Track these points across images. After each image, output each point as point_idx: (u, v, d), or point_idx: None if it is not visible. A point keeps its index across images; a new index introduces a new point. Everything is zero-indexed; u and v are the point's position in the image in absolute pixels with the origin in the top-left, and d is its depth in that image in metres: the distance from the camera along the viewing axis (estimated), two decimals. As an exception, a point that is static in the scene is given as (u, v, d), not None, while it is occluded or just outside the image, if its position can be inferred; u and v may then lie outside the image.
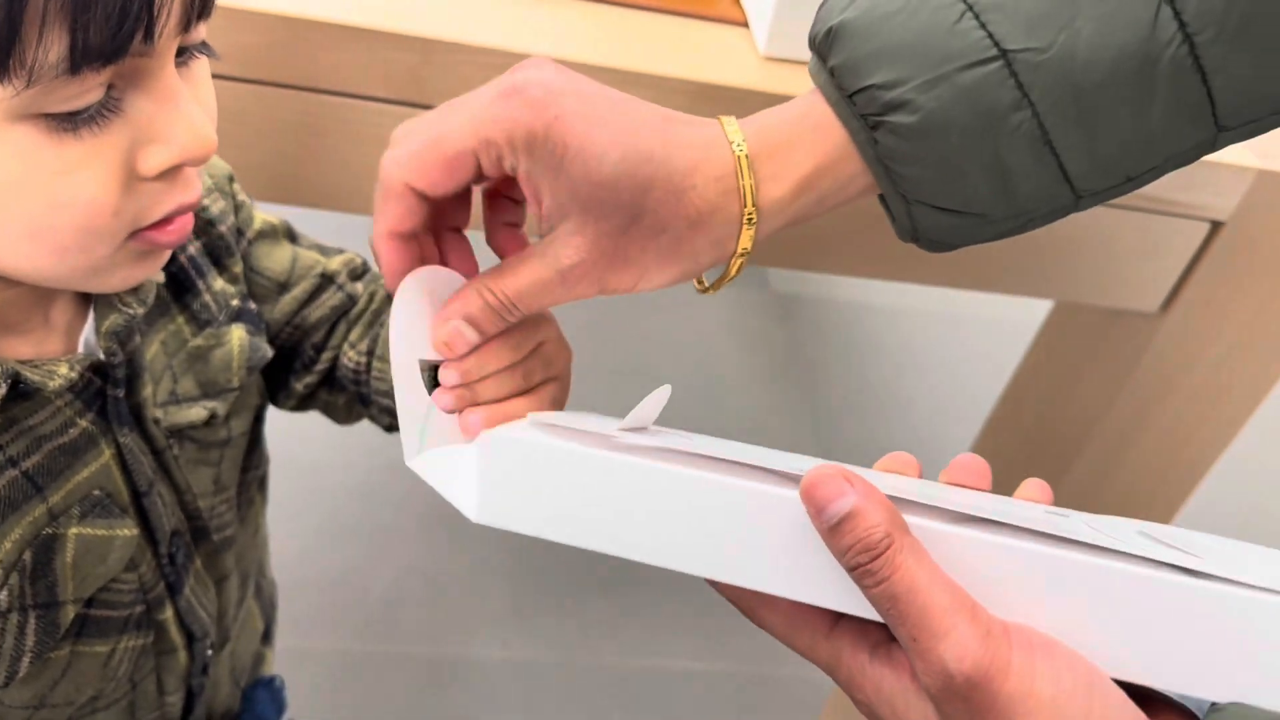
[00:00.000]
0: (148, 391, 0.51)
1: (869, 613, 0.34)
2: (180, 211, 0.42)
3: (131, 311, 0.47)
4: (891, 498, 0.33)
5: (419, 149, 0.40)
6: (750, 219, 0.40)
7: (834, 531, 0.32)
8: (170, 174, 0.40)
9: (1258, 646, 0.31)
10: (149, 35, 0.36)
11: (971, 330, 1.87)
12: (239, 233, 0.57)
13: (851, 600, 0.34)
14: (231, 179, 0.58)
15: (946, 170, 0.39)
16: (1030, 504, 0.40)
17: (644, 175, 0.39)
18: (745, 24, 0.71)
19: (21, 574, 0.46)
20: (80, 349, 0.48)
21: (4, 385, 0.43)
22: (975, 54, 0.38)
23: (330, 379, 0.62)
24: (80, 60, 0.34)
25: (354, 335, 0.60)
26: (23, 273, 0.41)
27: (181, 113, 0.39)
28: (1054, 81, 0.38)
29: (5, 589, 0.45)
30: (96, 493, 0.48)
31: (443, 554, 1.37)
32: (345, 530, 1.37)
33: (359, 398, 0.62)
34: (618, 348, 1.78)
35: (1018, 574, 0.33)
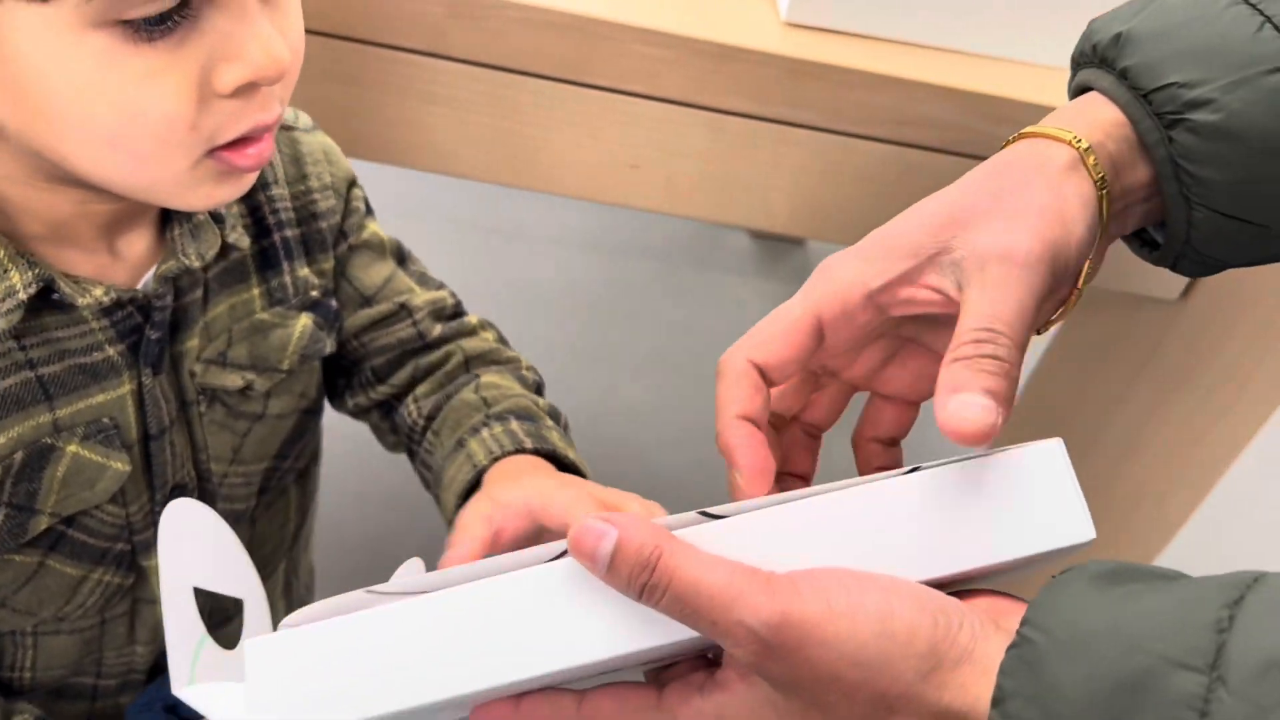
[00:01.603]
0: (192, 344, 0.52)
1: (679, 634, 0.34)
2: (257, 132, 0.43)
3: (188, 263, 0.49)
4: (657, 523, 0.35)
5: (758, 327, 0.41)
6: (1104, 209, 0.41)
7: (611, 569, 0.33)
8: (246, 92, 0.41)
9: (971, 510, 0.35)
10: None
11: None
12: (341, 235, 0.59)
13: (657, 630, 0.34)
14: (353, 184, 0.59)
15: (1241, 173, 0.40)
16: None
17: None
18: (770, -8, 0.73)
19: (7, 470, 0.47)
20: (146, 280, 0.49)
21: (35, 286, 0.44)
22: (1277, 60, 0.39)
23: (387, 411, 0.63)
24: None
25: (421, 390, 0.60)
26: (108, 180, 0.43)
27: (256, 31, 0.40)
28: None
29: None
30: (105, 420, 0.50)
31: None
32: (383, 498, 1.41)
33: (407, 450, 0.62)
34: (658, 338, 1.79)
35: (776, 537, 0.35)
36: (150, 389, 0.51)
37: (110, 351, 0.49)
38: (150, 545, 0.55)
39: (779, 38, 0.68)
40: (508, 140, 0.71)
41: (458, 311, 0.63)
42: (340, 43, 0.67)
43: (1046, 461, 0.35)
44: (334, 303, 0.59)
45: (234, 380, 0.55)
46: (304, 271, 0.57)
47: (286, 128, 0.57)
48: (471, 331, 0.63)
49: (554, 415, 0.59)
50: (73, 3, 0.36)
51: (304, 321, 0.57)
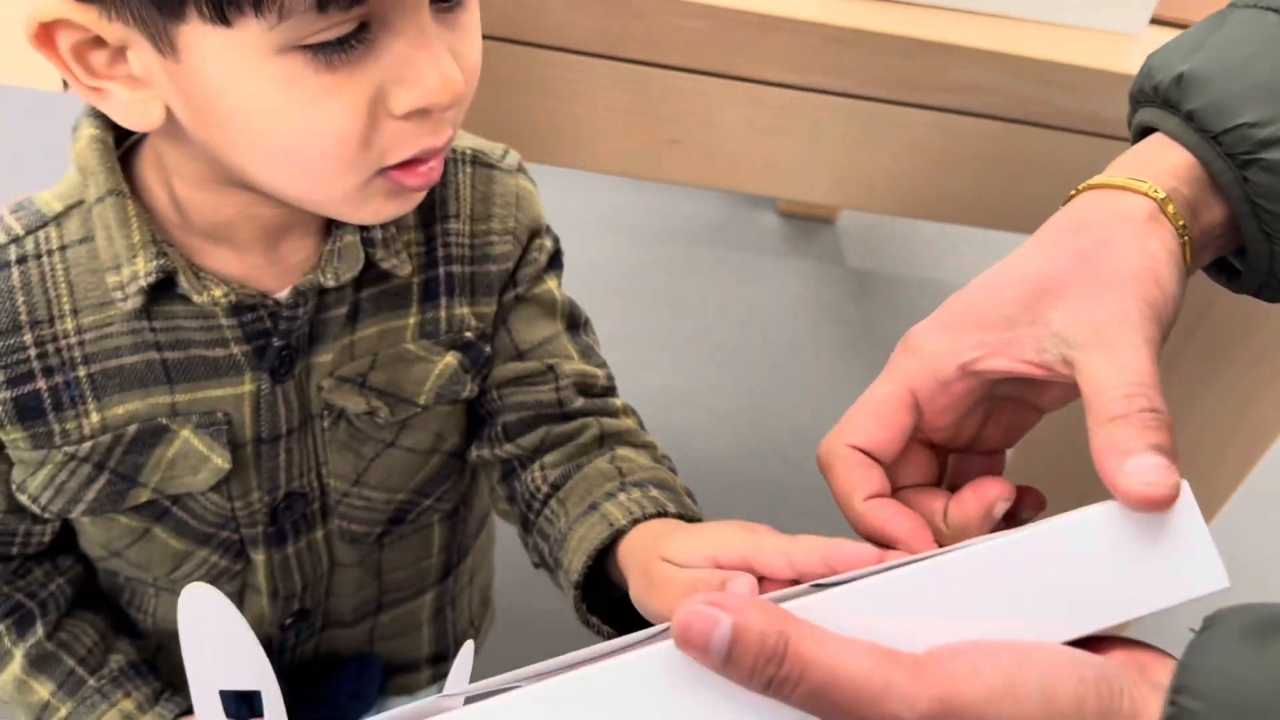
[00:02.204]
0: (326, 358, 0.53)
1: None
2: (426, 155, 0.44)
3: (323, 281, 0.49)
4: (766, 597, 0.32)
5: (850, 416, 0.41)
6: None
7: (729, 661, 0.30)
8: (418, 116, 0.42)
9: (1097, 568, 0.33)
10: None
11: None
12: (512, 282, 0.57)
13: None
14: (537, 234, 0.57)
15: None
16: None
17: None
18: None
19: (118, 440, 0.50)
20: (285, 292, 0.50)
21: (156, 276, 0.46)
22: None
23: (506, 474, 0.59)
24: (326, 0, 0.37)
25: (549, 459, 0.56)
26: (282, 192, 0.44)
27: (433, 57, 0.41)
28: None
29: (94, 442, 0.49)
30: (220, 414, 0.51)
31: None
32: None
33: (521, 519, 0.58)
34: (689, 320, 1.79)
35: (904, 604, 0.32)
36: (267, 394, 0.51)
37: (235, 350, 0.50)
38: (259, 540, 0.56)
39: (817, 5, 0.68)
40: (544, 117, 0.71)
41: (607, 391, 0.59)
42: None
43: (1177, 506, 0.33)
44: (488, 348, 0.57)
45: (358, 403, 0.54)
46: (463, 310, 0.56)
47: (488, 165, 0.56)
48: (614, 413, 0.58)
49: (689, 494, 0.55)
50: (256, 30, 0.38)
51: (448, 360, 0.56)
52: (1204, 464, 0.90)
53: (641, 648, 0.32)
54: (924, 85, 0.69)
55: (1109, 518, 0.33)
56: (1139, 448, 0.33)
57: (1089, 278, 0.38)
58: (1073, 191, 0.42)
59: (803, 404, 1.67)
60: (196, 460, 0.51)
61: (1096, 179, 0.42)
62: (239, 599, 0.58)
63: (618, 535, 0.49)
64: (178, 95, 0.42)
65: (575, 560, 0.49)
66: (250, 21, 0.37)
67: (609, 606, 0.51)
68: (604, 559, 0.49)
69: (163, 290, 0.47)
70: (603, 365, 0.59)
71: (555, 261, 0.59)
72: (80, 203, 0.48)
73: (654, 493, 0.51)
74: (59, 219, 0.48)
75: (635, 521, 0.49)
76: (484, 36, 0.69)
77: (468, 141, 0.56)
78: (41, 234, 0.48)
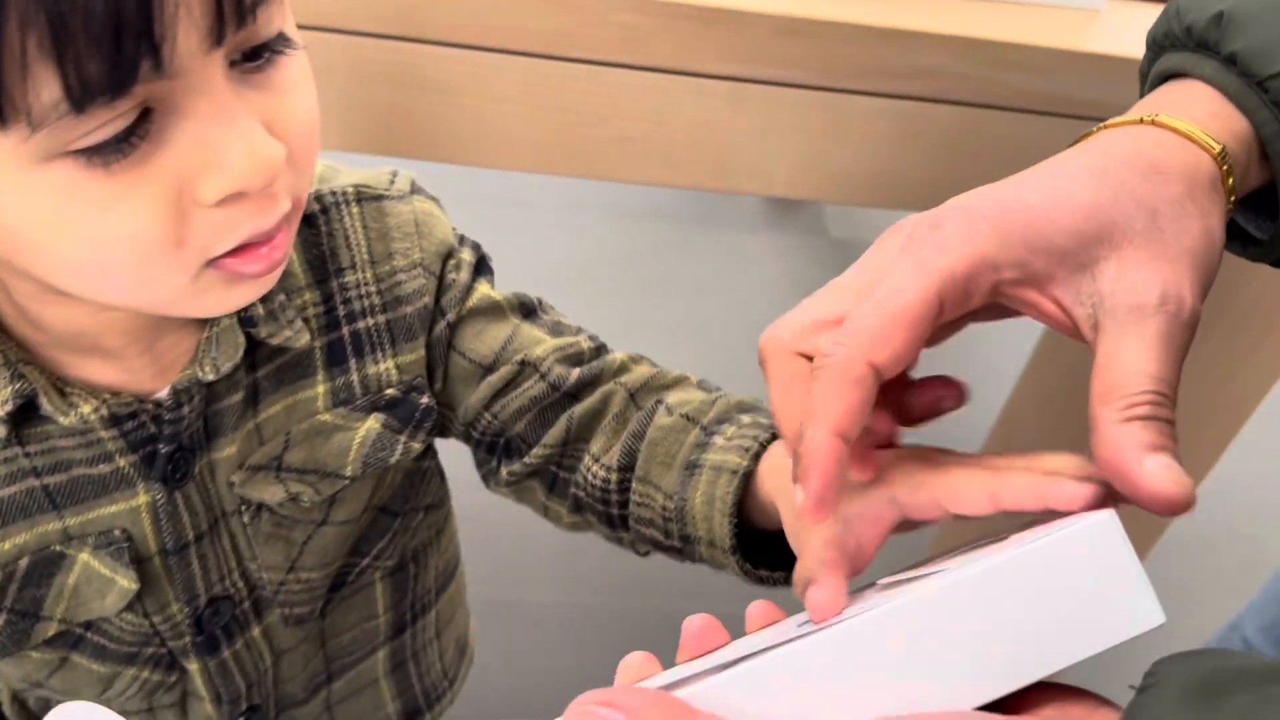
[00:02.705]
0: (227, 452, 0.48)
1: None
2: (259, 238, 0.38)
3: (201, 375, 0.45)
4: (662, 687, 0.30)
5: (865, 315, 0.33)
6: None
7: None
8: (235, 200, 0.36)
9: (1018, 613, 0.29)
10: (159, 65, 0.32)
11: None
12: (439, 313, 0.52)
13: None
14: (450, 255, 0.52)
15: None
16: (780, 629, 0.36)
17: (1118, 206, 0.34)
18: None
19: (10, 577, 0.46)
20: (165, 391, 0.45)
21: (14, 402, 0.41)
22: None
23: (551, 483, 0.54)
24: (81, 99, 0.31)
25: (596, 447, 0.51)
26: (110, 302, 0.39)
27: (235, 133, 0.35)
28: None
29: None
30: (117, 532, 0.47)
31: (497, 502, 1.40)
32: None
33: (603, 518, 0.52)
34: (673, 300, 1.78)
35: (809, 680, 0.29)
36: (164, 504, 0.47)
37: (121, 462, 0.46)
38: (189, 650, 0.52)
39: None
40: (492, 121, 0.69)
41: (598, 351, 0.54)
42: (314, 34, 0.65)
43: (1100, 539, 0.30)
44: (424, 399, 0.52)
45: (277, 493, 0.50)
46: (380, 367, 0.51)
47: (376, 197, 0.51)
48: (623, 368, 0.53)
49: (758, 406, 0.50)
50: (14, 140, 0.32)
51: (369, 425, 0.51)
52: (1183, 437, 0.89)
53: None
54: (877, 72, 0.68)
55: (1028, 558, 0.30)
56: (1164, 449, 0.30)
57: (1152, 241, 0.33)
58: (1128, 119, 0.37)
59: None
60: (101, 584, 0.48)
61: (1165, 119, 0.36)
62: (182, 708, 0.56)
63: (747, 479, 0.44)
64: None
65: (718, 526, 0.45)
66: (1, 135, 0.32)
67: (755, 549, 0.46)
68: (752, 507, 0.45)
69: (29, 412, 0.43)
70: (579, 331, 0.55)
71: (480, 268, 0.54)
72: None
73: (745, 420, 0.46)
74: None
75: (756, 456, 0.45)
76: (428, 42, 0.68)
77: (347, 178, 0.51)
78: None
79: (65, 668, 0.51)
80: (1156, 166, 0.35)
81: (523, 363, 0.52)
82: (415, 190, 0.52)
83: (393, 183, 0.52)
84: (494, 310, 0.53)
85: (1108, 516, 0.30)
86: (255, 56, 0.36)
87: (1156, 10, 0.72)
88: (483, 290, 0.53)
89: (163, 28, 0.31)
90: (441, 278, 0.52)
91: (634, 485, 0.49)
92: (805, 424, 0.32)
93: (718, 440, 0.46)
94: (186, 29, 0.32)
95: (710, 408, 0.49)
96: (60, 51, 0.30)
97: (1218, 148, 0.35)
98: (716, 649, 0.36)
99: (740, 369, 1.69)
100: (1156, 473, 0.30)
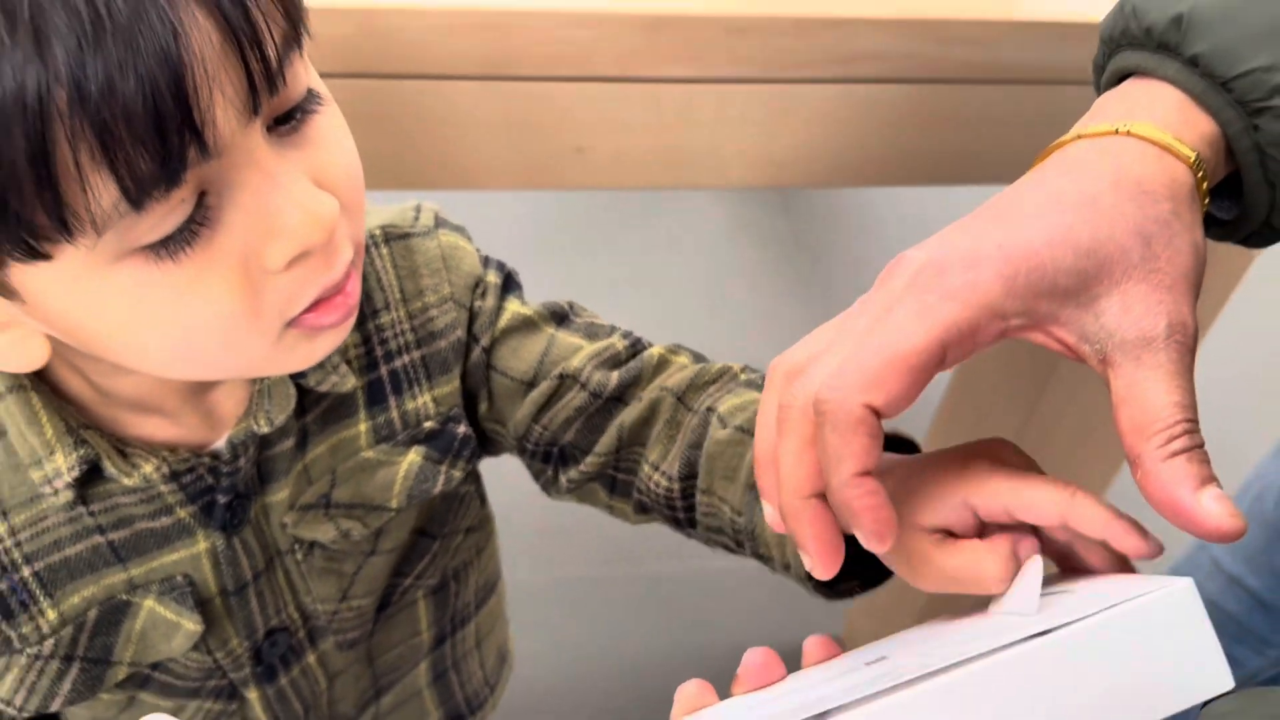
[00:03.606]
0: (281, 495, 0.50)
1: None
2: (332, 290, 0.39)
3: (257, 429, 0.46)
4: None
5: (865, 359, 0.33)
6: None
7: None
8: (301, 259, 0.37)
9: (1122, 665, 0.32)
10: (204, 148, 0.33)
11: (968, 208, 1.85)
12: (469, 344, 0.53)
13: None
14: (478, 284, 0.53)
15: None
16: (844, 667, 0.37)
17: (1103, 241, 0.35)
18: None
19: (79, 628, 0.48)
20: (221, 443, 0.47)
21: (80, 469, 0.43)
22: None
23: (609, 485, 0.55)
24: (139, 196, 0.32)
25: (653, 455, 0.52)
26: (196, 378, 0.41)
27: (288, 197, 0.36)
28: None
29: (55, 638, 0.47)
30: (179, 578, 0.49)
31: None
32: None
33: (669, 521, 0.53)
34: (621, 255, 1.78)
35: None
36: (224, 549, 0.49)
37: (181, 514, 0.48)
38: (249, 680, 0.55)
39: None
40: (442, 146, 0.69)
41: (634, 349, 0.54)
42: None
43: (1180, 608, 0.32)
44: (461, 428, 0.53)
45: (328, 531, 0.52)
46: (418, 402, 0.52)
47: (402, 236, 0.52)
48: (662, 364, 0.54)
49: None
50: (83, 249, 0.33)
51: (411, 458, 0.52)
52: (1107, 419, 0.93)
53: None
54: (823, 60, 0.68)
55: (1116, 622, 0.32)
56: (1210, 483, 0.32)
57: (1150, 271, 0.34)
58: (1103, 129, 0.38)
59: (738, 330, 1.68)
60: (167, 628, 0.50)
61: (1136, 125, 0.37)
62: None
63: None
64: (44, 327, 0.39)
65: (791, 556, 0.46)
66: (68, 248, 0.33)
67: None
68: None
69: (93, 473, 0.45)
70: (613, 331, 0.55)
71: (508, 287, 0.55)
72: None
73: None
74: None
75: None
76: (367, 75, 0.67)
77: (374, 219, 0.52)
78: None
79: (133, 706, 0.53)
80: (1143, 186, 0.36)
81: (562, 375, 0.52)
82: (440, 223, 0.53)
83: (417, 219, 0.53)
84: (527, 325, 0.54)
85: (1187, 585, 0.32)
86: (289, 118, 0.37)
87: (1088, -26, 0.73)
88: (513, 308, 0.54)
89: (201, 113, 0.32)
90: (471, 307, 0.53)
91: (698, 496, 0.50)
92: (827, 473, 0.34)
93: None
94: (224, 108, 0.33)
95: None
96: (111, 157, 0.31)
97: (1193, 156, 0.36)
98: (775, 682, 0.38)
99: (678, 316, 1.69)
100: (1213, 509, 0.32)
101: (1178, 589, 0.32)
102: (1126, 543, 0.34)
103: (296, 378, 0.48)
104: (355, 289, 0.41)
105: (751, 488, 0.48)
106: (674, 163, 0.72)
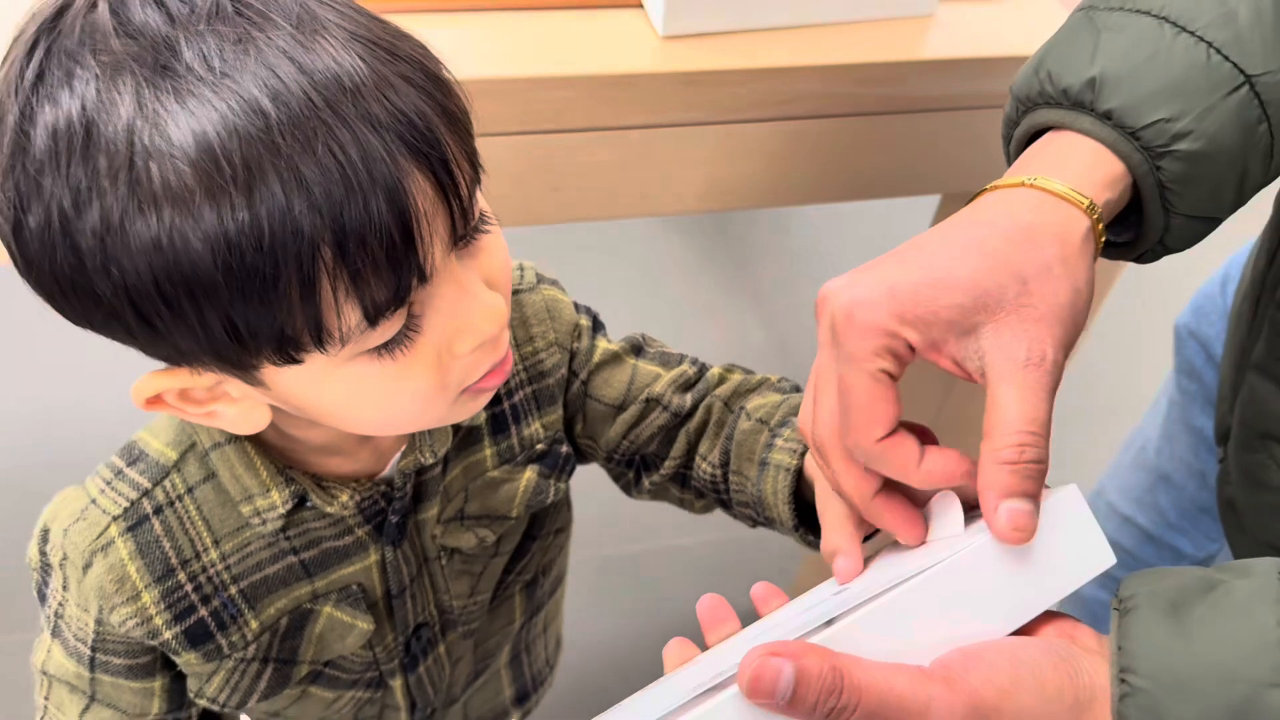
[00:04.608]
0: (432, 512, 0.59)
1: None
2: (493, 368, 0.48)
3: (423, 460, 0.55)
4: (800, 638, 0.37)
5: (855, 415, 0.42)
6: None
7: (793, 702, 0.35)
8: (479, 345, 0.45)
9: (1023, 568, 0.40)
10: (422, 277, 0.41)
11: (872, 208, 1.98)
12: (570, 379, 0.63)
13: None
14: (576, 328, 0.63)
15: (1214, 184, 0.45)
16: (818, 597, 0.46)
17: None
18: (640, 4, 0.80)
19: (274, 634, 0.57)
20: (387, 470, 0.56)
21: (291, 503, 0.52)
22: (1230, 83, 0.44)
23: (680, 482, 0.65)
24: (375, 316, 0.41)
25: (703, 448, 0.62)
26: (387, 435, 0.50)
27: (472, 302, 0.44)
28: None
29: (256, 643, 0.56)
30: (354, 586, 0.58)
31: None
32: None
33: (719, 504, 0.64)
34: (549, 258, 1.86)
35: (896, 626, 0.38)
36: (391, 560, 0.58)
37: (359, 533, 0.57)
38: (396, 670, 0.64)
39: (661, 55, 0.76)
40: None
41: (700, 373, 0.64)
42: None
43: (1070, 506, 0.40)
44: (564, 448, 0.64)
45: (467, 540, 0.61)
46: (531, 429, 0.62)
47: (514, 292, 0.60)
48: (720, 381, 0.64)
49: None
50: (329, 354, 0.41)
51: (529, 475, 0.62)
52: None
53: (701, 703, 0.38)
54: (763, 103, 0.79)
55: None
56: (1017, 493, 0.39)
57: (1021, 308, 0.40)
58: (1011, 182, 0.44)
59: (673, 312, 1.79)
60: (343, 629, 0.59)
61: (1040, 181, 0.43)
62: (379, 717, 0.67)
63: (799, 474, 0.56)
64: (275, 403, 0.47)
65: (783, 512, 0.57)
66: (317, 354, 0.41)
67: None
68: (805, 488, 0.57)
69: (294, 507, 0.53)
70: (683, 359, 0.65)
71: (596, 328, 0.64)
72: (192, 445, 0.53)
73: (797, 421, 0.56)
74: (178, 465, 0.53)
75: (802, 455, 0.56)
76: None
77: None
78: (167, 483, 0.53)
79: (303, 698, 0.62)
80: (1029, 234, 0.42)
81: (648, 400, 0.63)
82: (540, 280, 0.63)
83: (523, 277, 0.62)
84: (614, 359, 0.64)
85: (1073, 489, 0.40)
86: (470, 236, 0.45)
87: (983, 10, 0.85)
88: (602, 346, 0.64)
89: (424, 251, 0.41)
90: (572, 349, 0.63)
91: (731, 478, 0.61)
92: (853, 501, 0.44)
93: (779, 441, 0.57)
94: (437, 245, 0.42)
95: (778, 410, 0.60)
96: (360, 291, 0.40)
97: (1086, 202, 0.43)
98: (730, 624, 0.47)
99: (621, 306, 1.78)
100: (1001, 516, 0.39)
101: (1067, 492, 0.40)
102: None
103: None
104: (510, 359, 0.50)
105: (761, 465, 0.58)
106: (638, 195, 0.82)
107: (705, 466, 0.62)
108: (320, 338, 0.40)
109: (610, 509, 1.48)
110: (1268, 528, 0.60)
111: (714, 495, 0.63)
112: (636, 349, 0.65)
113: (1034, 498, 0.39)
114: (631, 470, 0.66)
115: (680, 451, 0.63)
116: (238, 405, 0.47)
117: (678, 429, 0.63)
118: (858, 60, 0.79)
